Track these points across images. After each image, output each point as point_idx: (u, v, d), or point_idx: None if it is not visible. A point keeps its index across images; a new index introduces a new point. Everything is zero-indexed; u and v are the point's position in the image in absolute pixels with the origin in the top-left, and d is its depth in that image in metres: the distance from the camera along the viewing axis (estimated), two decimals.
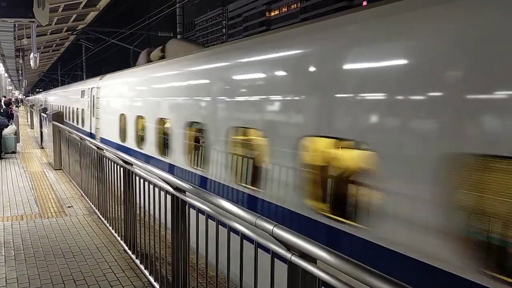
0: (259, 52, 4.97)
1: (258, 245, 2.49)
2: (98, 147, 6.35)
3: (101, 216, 6.49)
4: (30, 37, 12.81)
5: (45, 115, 13.94)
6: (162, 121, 7.72)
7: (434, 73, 2.84)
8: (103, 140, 11.63)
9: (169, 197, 3.73)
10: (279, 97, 4.45)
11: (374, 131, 3.26)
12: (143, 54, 10.76)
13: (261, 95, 4.73)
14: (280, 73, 4.52)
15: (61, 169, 11.15)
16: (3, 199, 7.99)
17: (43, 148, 15.88)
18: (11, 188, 8.97)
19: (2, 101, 17.55)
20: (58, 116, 11.91)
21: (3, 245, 5.49)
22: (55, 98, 28.73)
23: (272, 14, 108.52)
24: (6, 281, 4.42)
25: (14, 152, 14.31)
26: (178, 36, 20.32)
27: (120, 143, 10.14)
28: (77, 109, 17.24)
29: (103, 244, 5.54)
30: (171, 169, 6.90)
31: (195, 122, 6.37)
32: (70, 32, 21.77)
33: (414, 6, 3.15)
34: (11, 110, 16.54)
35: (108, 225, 6.04)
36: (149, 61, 10.20)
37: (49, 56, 33.86)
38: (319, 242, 2.01)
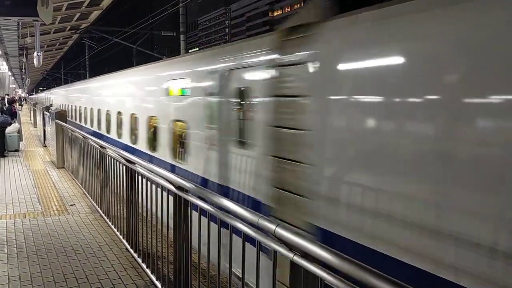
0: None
1: (260, 245, 2.49)
2: (100, 146, 6.37)
3: (103, 215, 6.50)
4: (33, 36, 12.85)
5: (48, 114, 13.97)
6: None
7: None
8: None
9: (171, 196, 3.74)
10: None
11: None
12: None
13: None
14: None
15: (63, 168, 11.18)
16: (6, 197, 8.01)
17: (46, 146, 15.91)
18: (14, 186, 9.00)
19: (6, 99, 17.60)
20: (61, 115, 11.94)
21: (5, 243, 5.51)
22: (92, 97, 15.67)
23: (275, 14, 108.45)
24: (8, 278, 4.43)
25: (17, 150, 14.35)
26: (181, 36, 20.34)
27: None
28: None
29: (105, 243, 5.56)
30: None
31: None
32: (73, 31, 21.83)
33: None
34: (14, 108, 16.58)
35: (110, 223, 6.05)
36: None
37: (52, 55, 33.97)
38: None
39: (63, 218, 6.67)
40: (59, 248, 5.33)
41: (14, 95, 33.55)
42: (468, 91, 2.54)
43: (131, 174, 4.89)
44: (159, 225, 4.10)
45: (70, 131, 9.86)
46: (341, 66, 3.55)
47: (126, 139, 9.95)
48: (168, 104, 7.35)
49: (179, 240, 3.63)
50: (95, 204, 7.14)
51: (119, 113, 10.73)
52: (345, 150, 3.41)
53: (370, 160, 3.13)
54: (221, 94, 5.39)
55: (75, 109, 18.86)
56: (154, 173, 4.17)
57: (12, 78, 41.35)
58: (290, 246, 2.20)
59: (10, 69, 30.54)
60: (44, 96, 46.17)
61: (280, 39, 4.21)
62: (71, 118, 18.64)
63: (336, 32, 3.65)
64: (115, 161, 5.50)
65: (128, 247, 5.12)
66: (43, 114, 16.23)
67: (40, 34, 13.78)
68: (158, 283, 4.10)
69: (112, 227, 5.92)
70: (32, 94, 74.79)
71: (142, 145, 8.70)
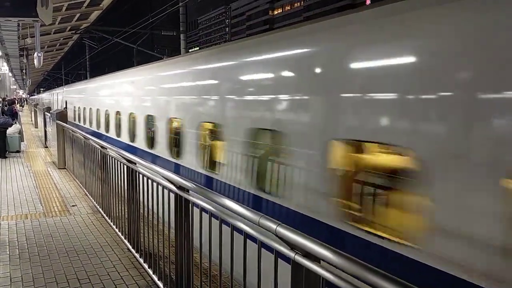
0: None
1: (262, 244, 2.49)
2: (101, 146, 6.36)
3: (105, 215, 6.50)
4: (34, 37, 12.85)
5: (49, 114, 13.98)
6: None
7: None
8: None
9: (172, 196, 3.73)
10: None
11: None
12: None
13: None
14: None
15: (65, 168, 11.19)
16: (8, 198, 8.02)
17: (47, 147, 15.93)
18: (15, 187, 9.01)
19: (6, 100, 17.62)
20: (62, 116, 11.94)
21: (7, 244, 5.52)
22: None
23: (276, 12, 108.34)
24: (10, 279, 4.43)
25: (18, 151, 14.38)
26: (181, 35, 20.31)
27: None
28: None
29: (107, 243, 5.56)
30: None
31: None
32: (73, 31, 21.81)
33: None
34: (15, 109, 16.61)
35: (112, 224, 6.05)
36: None
37: (52, 55, 33.97)
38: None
39: (64, 219, 6.68)
40: (61, 249, 5.34)
41: (15, 96, 33.52)
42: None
43: (132, 174, 4.89)
44: (160, 225, 4.10)
45: (71, 131, 9.85)
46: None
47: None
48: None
49: (181, 240, 3.63)
50: (96, 205, 7.14)
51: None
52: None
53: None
54: None
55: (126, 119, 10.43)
56: (155, 173, 4.17)
57: (13, 79, 41.36)
58: (291, 245, 2.19)
59: (10, 70, 30.56)
60: (48, 97, 35.63)
61: None
62: (118, 136, 10.94)
63: None
64: (116, 161, 5.50)
65: (130, 247, 5.12)
66: (44, 115, 16.25)
67: (41, 35, 13.79)
68: (160, 283, 4.10)
69: (114, 227, 5.92)
70: (34, 95, 74.83)
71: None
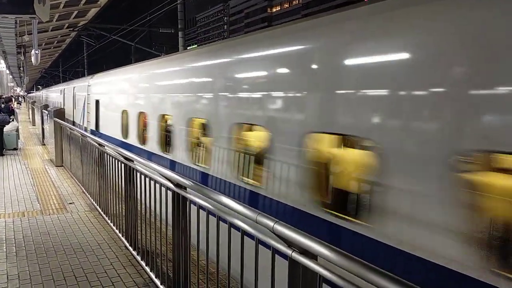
0: None
1: (259, 242, 2.48)
2: (99, 144, 6.35)
3: (102, 213, 6.49)
4: (31, 34, 12.81)
5: (46, 112, 13.94)
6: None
7: None
8: None
9: (170, 194, 3.73)
10: None
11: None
12: None
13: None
14: None
15: (62, 166, 11.16)
16: (5, 195, 8.00)
17: (44, 145, 15.89)
18: (12, 184, 8.98)
19: (3, 97, 17.56)
20: (59, 113, 11.92)
21: (4, 241, 5.50)
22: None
23: (274, 10, 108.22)
24: (7, 277, 4.42)
25: (15, 149, 14.34)
26: (180, 33, 20.27)
27: None
28: None
29: (104, 241, 5.55)
30: None
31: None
32: (71, 29, 21.72)
33: None
34: (12, 107, 16.56)
35: (109, 221, 6.04)
36: None
37: (50, 53, 33.83)
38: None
39: (62, 217, 6.66)
40: (58, 247, 5.33)
41: (12, 94, 33.40)
42: None
43: (130, 172, 4.88)
44: (158, 223, 4.09)
45: (68, 129, 9.83)
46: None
47: None
48: None
49: (178, 238, 3.62)
50: (94, 202, 7.13)
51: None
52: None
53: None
54: None
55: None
56: (153, 170, 4.16)
57: (10, 76, 41.24)
58: (289, 243, 2.19)
59: (8, 67, 30.44)
60: (55, 95, 26.85)
61: None
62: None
63: None
64: (113, 159, 5.49)
65: (127, 245, 5.11)
66: (42, 113, 16.20)
67: (38, 32, 13.74)
68: (157, 281, 4.10)
69: (111, 225, 5.91)
70: (31, 92, 74.58)
71: None
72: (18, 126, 15.38)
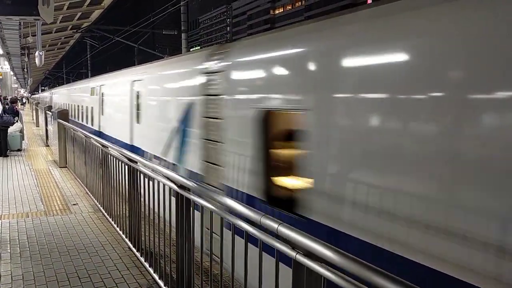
0: None
1: (263, 244, 2.48)
2: (102, 145, 6.37)
3: (106, 214, 6.50)
4: (35, 35, 12.86)
5: (50, 113, 13.99)
6: None
7: None
8: None
9: (173, 195, 3.73)
10: None
11: None
12: None
13: None
14: None
15: (66, 167, 11.19)
16: (9, 196, 8.03)
17: (48, 146, 15.94)
18: (16, 185, 9.01)
19: (9, 98, 17.62)
20: (63, 114, 11.96)
21: (8, 242, 5.52)
22: None
23: (277, 12, 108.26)
24: (11, 278, 4.43)
25: (19, 150, 14.39)
26: (183, 34, 20.32)
27: None
28: None
29: (107, 242, 5.55)
30: None
31: None
32: (75, 30, 21.81)
33: None
34: (16, 108, 16.62)
35: (113, 222, 6.05)
36: None
37: (54, 54, 33.95)
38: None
39: (65, 218, 6.68)
40: (62, 248, 5.34)
41: (16, 95, 33.49)
42: None
43: (133, 173, 4.89)
44: (161, 224, 4.09)
45: (72, 130, 9.86)
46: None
47: None
48: None
49: (182, 239, 3.62)
50: (97, 203, 7.14)
51: None
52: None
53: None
54: None
55: None
56: (156, 172, 4.16)
57: (14, 78, 41.40)
58: (293, 245, 2.19)
59: (12, 68, 30.57)
60: (88, 96, 14.82)
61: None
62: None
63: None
64: (117, 160, 5.50)
65: (131, 246, 5.12)
66: (45, 114, 16.25)
67: (42, 34, 13.79)
68: (161, 282, 4.10)
69: (115, 226, 5.92)
70: (35, 94, 74.84)
71: None
72: (22, 127, 15.42)
